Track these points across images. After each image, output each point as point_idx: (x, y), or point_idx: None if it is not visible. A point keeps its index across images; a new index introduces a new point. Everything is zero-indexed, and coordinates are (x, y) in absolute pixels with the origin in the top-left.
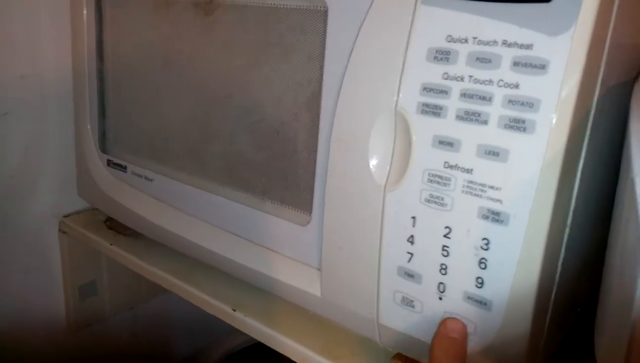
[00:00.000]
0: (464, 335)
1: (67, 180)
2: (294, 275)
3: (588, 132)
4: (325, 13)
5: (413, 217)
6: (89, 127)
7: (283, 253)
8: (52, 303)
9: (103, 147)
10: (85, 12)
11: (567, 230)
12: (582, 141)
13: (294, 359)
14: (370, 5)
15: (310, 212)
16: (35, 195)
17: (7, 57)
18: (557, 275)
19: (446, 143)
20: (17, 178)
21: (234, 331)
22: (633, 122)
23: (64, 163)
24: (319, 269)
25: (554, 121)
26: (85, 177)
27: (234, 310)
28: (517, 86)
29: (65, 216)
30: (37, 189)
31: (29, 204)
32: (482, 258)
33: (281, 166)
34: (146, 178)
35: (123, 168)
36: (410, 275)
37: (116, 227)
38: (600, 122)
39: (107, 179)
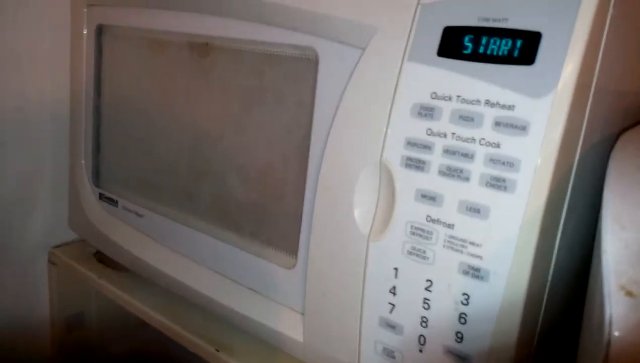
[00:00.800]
0: None
1: (59, 211)
2: (278, 319)
3: (569, 190)
4: (316, 62)
5: (395, 269)
6: (83, 161)
7: (268, 295)
8: (38, 334)
9: (96, 181)
10: (84, 48)
11: (548, 286)
12: (564, 199)
13: None
14: (359, 58)
15: (296, 256)
16: (27, 226)
17: (5, 90)
18: (538, 330)
19: (429, 197)
20: (10, 208)
21: None
22: (607, 191)
23: (57, 195)
24: (302, 314)
25: (533, 181)
26: (77, 209)
27: (217, 351)
28: (498, 145)
29: (55, 247)
30: (30, 220)
31: (21, 234)
32: (462, 313)
33: (269, 209)
34: (137, 213)
35: (114, 202)
36: (391, 326)
37: (105, 260)
38: (583, 178)
39: (99, 213)
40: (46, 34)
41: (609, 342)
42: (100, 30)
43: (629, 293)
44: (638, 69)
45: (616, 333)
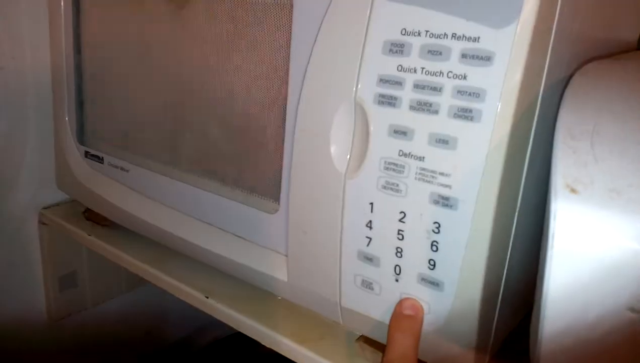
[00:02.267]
0: (419, 313)
1: (47, 172)
2: (262, 262)
3: (535, 121)
4: (290, 7)
5: (371, 203)
6: (67, 119)
7: (253, 240)
8: (33, 294)
9: (81, 139)
10: (62, 6)
11: (516, 215)
12: (529, 130)
13: (264, 343)
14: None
15: (279, 201)
16: (15, 188)
17: None
18: (507, 260)
19: (400, 132)
20: None
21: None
22: (562, 107)
23: (44, 155)
24: (286, 255)
25: (498, 110)
26: (64, 168)
27: (207, 298)
28: (465, 77)
29: (45, 208)
30: (18, 182)
31: (10, 196)
32: (434, 241)
33: (251, 156)
34: (122, 169)
35: (100, 159)
36: (369, 258)
37: (94, 217)
38: (548, 112)
39: (85, 171)
40: None
41: (552, 235)
42: None
43: (573, 191)
44: (601, 14)
45: (558, 226)
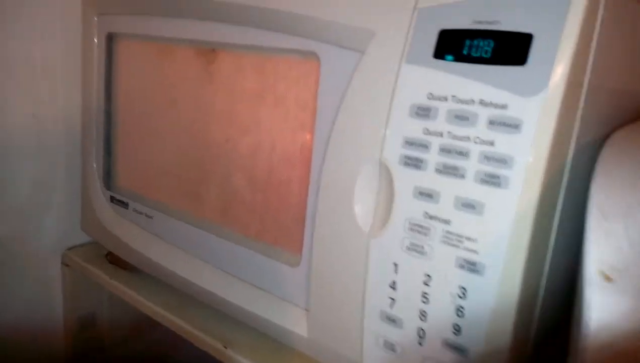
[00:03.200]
0: None
1: (72, 214)
2: (282, 315)
3: (563, 187)
4: (318, 66)
5: (395, 264)
6: (94, 165)
7: (274, 292)
8: (53, 334)
9: (107, 184)
10: (95, 55)
11: (544, 281)
12: (558, 196)
13: None
14: (359, 61)
15: (301, 254)
16: (42, 229)
17: (20, 96)
18: (535, 323)
19: (426, 194)
20: (25, 211)
21: None
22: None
23: (70, 197)
24: (307, 310)
25: (525, 177)
26: (89, 211)
27: (225, 348)
28: (492, 143)
29: (69, 249)
30: (45, 223)
31: (36, 237)
32: (459, 306)
33: (274, 208)
34: (146, 215)
35: (125, 204)
36: (392, 320)
37: (116, 261)
38: (578, 175)
39: (110, 215)
40: (59, 42)
41: (587, 325)
42: (110, 38)
43: (608, 278)
44: (632, 68)
45: (593, 316)
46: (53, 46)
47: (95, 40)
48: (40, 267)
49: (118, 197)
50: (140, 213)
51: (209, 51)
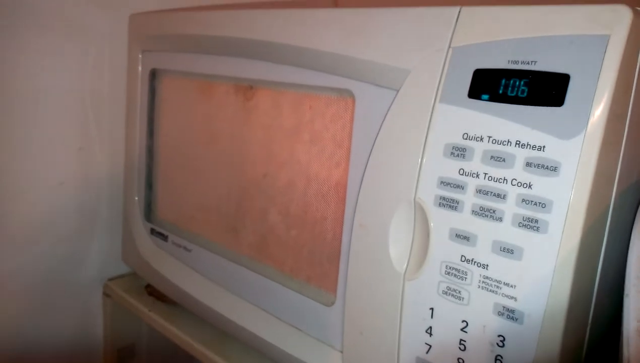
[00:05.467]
0: None
1: (114, 245)
2: (317, 356)
3: (607, 231)
4: (353, 103)
5: (431, 308)
6: (136, 197)
7: (308, 332)
8: None
9: (148, 217)
10: (139, 91)
11: (588, 330)
12: (601, 240)
13: None
14: (394, 99)
15: (336, 293)
16: (85, 260)
17: (70, 129)
18: None
19: (463, 236)
20: (70, 243)
21: None
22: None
23: (112, 228)
24: (341, 351)
25: (566, 222)
26: (130, 243)
27: None
28: (530, 186)
29: (110, 279)
30: (88, 254)
31: (79, 267)
32: (498, 355)
33: (308, 245)
34: (185, 248)
35: (164, 237)
36: None
37: (156, 293)
38: (622, 218)
39: (150, 247)
40: (106, 77)
41: None
42: (153, 74)
43: None
44: None
45: None
46: (101, 81)
47: (140, 75)
48: (82, 297)
49: (158, 229)
50: (179, 246)
51: (247, 88)
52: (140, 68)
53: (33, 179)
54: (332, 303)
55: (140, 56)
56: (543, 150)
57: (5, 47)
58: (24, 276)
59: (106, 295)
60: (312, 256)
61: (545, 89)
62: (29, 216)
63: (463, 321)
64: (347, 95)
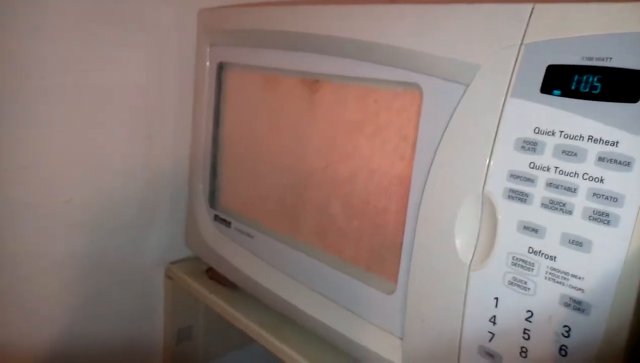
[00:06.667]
0: None
1: (176, 230)
2: (377, 342)
3: None
4: (420, 97)
5: (496, 298)
6: (201, 185)
7: (367, 318)
8: (152, 345)
9: (212, 203)
10: (207, 83)
11: None
12: None
13: None
14: (463, 93)
15: (396, 282)
16: (147, 244)
17: (136, 121)
18: None
19: (531, 229)
20: (134, 227)
21: None
22: None
23: (174, 214)
24: (401, 338)
25: (638, 217)
26: (193, 228)
27: None
28: (601, 180)
29: (172, 263)
30: (150, 239)
31: (142, 251)
32: (563, 345)
33: (370, 235)
34: (248, 235)
35: (228, 224)
36: (490, 355)
37: (216, 277)
38: None
39: (213, 232)
40: (173, 70)
41: None
42: (221, 67)
43: None
44: None
45: None
46: (167, 73)
47: (207, 68)
48: (146, 278)
49: (221, 216)
50: (242, 232)
51: (312, 82)
52: (208, 62)
53: (100, 165)
54: (393, 291)
55: (208, 50)
56: (617, 146)
57: (70, 39)
58: (89, 258)
59: (168, 277)
60: (372, 246)
61: (619, 85)
62: (97, 201)
63: (528, 311)
64: (414, 88)
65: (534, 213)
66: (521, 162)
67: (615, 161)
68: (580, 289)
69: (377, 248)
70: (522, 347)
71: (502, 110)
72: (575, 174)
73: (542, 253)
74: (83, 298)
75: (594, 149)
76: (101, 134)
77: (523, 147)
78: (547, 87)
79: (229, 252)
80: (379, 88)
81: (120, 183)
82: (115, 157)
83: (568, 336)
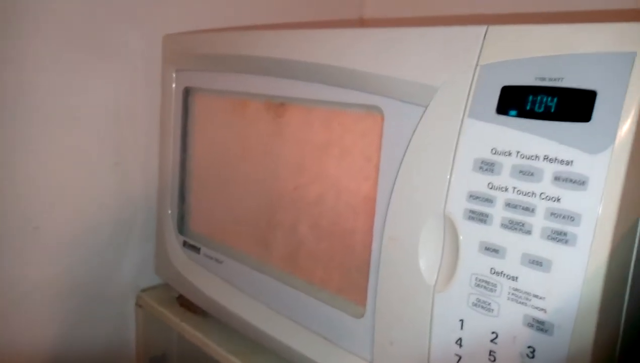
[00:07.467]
0: None
1: (147, 256)
2: None
3: (637, 241)
4: (381, 119)
5: (461, 320)
6: (169, 212)
7: (338, 343)
8: None
9: (181, 229)
10: (173, 108)
11: (619, 341)
12: (630, 253)
13: None
14: (422, 115)
15: (365, 305)
16: (119, 270)
17: (104, 147)
18: None
19: (492, 249)
20: (104, 254)
21: None
22: None
23: (145, 241)
24: (370, 362)
25: (595, 235)
26: (163, 255)
27: None
28: (558, 200)
29: (143, 290)
30: (121, 265)
31: (113, 278)
32: None
33: (338, 257)
34: (217, 260)
35: (197, 250)
36: None
37: (187, 304)
38: None
39: (182, 259)
40: (141, 94)
41: None
42: (187, 92)
43: None
44: None
45: None
46: (135, 98)
47: (173, 93)
48: (115, 307)
49: (190, 242)
50: (211, 258)
51: (278, 105)
52: (174, 86)
53: (69, 192)
54: (362, 315)
55: (174, 75)
56: (571, 165)
57: (39, 66)
58: (59, 286)
59: (139, 305)
60: (341, 268)
61: (572, 105)
62: (65, 228)
63: (493, 332)
64: (375, 111)
65: (494, 233)
66: (480, 182)
67: (571, 180)
68: (542, 309)
69: (346, 271)
70: None
71: (459, 131)
72: (533, 193)
73: (504, 274)
74: (54, 326)
75: (549, 169)
76: (70, 160)
77: (481, 167)
78: (503, 107)
79: (198, 279)
80: (343, 110)
81: (89, 209)
82: (85, 183)
83: (533, 357)
